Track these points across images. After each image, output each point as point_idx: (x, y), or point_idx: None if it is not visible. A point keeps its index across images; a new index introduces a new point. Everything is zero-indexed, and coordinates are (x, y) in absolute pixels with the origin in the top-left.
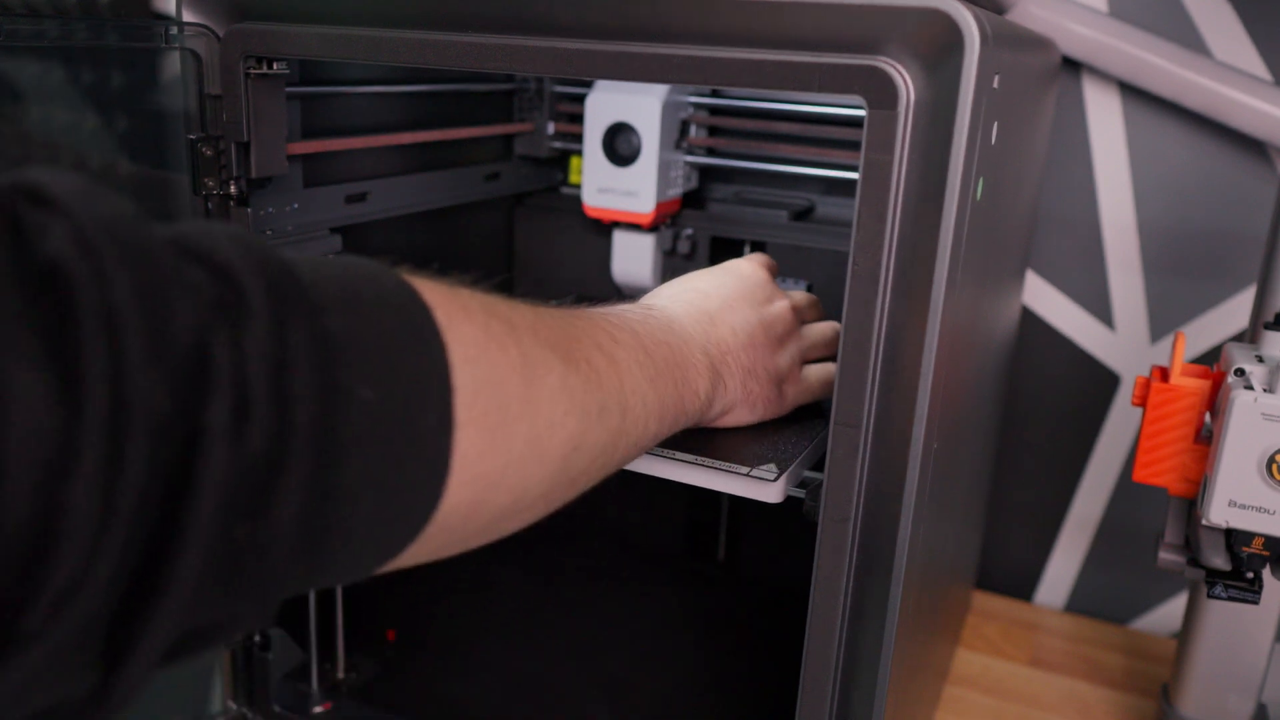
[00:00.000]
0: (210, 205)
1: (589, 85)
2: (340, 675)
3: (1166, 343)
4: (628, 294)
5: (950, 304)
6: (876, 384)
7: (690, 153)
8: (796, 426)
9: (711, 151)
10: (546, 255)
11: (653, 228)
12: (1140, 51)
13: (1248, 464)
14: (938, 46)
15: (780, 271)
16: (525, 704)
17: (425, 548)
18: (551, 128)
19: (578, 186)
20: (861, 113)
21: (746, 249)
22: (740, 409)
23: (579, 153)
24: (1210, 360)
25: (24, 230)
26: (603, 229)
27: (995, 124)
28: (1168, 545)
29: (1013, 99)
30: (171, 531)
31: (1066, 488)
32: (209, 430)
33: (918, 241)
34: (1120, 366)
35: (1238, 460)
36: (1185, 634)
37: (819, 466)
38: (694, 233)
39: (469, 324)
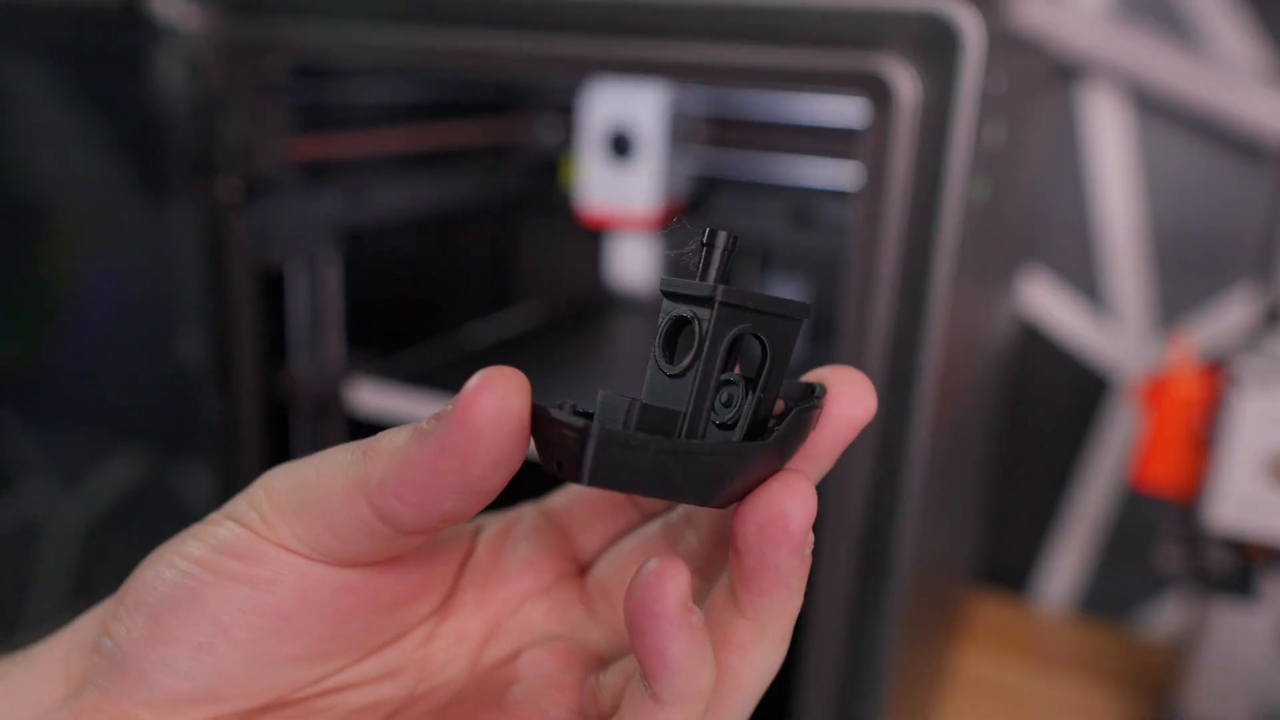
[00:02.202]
0: (208, 207)
1: (588, 87)
2: None
3: (1167, 343)
4: (626, 299)
5: (950, 304)
6: (876, 384)
7: (691, 155)
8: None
9: (713, 154)
10: (545, 258)
11: (653, 232)
12: (1140, 51)
13: (1249, 464)
14: (937, 48)
15: (781, 273)
16: None
17: None
18: (550, 129)
19: (576, 189)
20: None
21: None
22: None
23: (577, 155)
24: (1211, 361)
25: None
26: (602, 232)
27: (994, 124)
28: (1169, 546)
29: (1012, 99)
30: None
31: (1067, 488)
32: None
33: (917, 241)
34: (1120, 367)
35: (1239, 461)
36: (1186, 635)
37: None
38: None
39: None
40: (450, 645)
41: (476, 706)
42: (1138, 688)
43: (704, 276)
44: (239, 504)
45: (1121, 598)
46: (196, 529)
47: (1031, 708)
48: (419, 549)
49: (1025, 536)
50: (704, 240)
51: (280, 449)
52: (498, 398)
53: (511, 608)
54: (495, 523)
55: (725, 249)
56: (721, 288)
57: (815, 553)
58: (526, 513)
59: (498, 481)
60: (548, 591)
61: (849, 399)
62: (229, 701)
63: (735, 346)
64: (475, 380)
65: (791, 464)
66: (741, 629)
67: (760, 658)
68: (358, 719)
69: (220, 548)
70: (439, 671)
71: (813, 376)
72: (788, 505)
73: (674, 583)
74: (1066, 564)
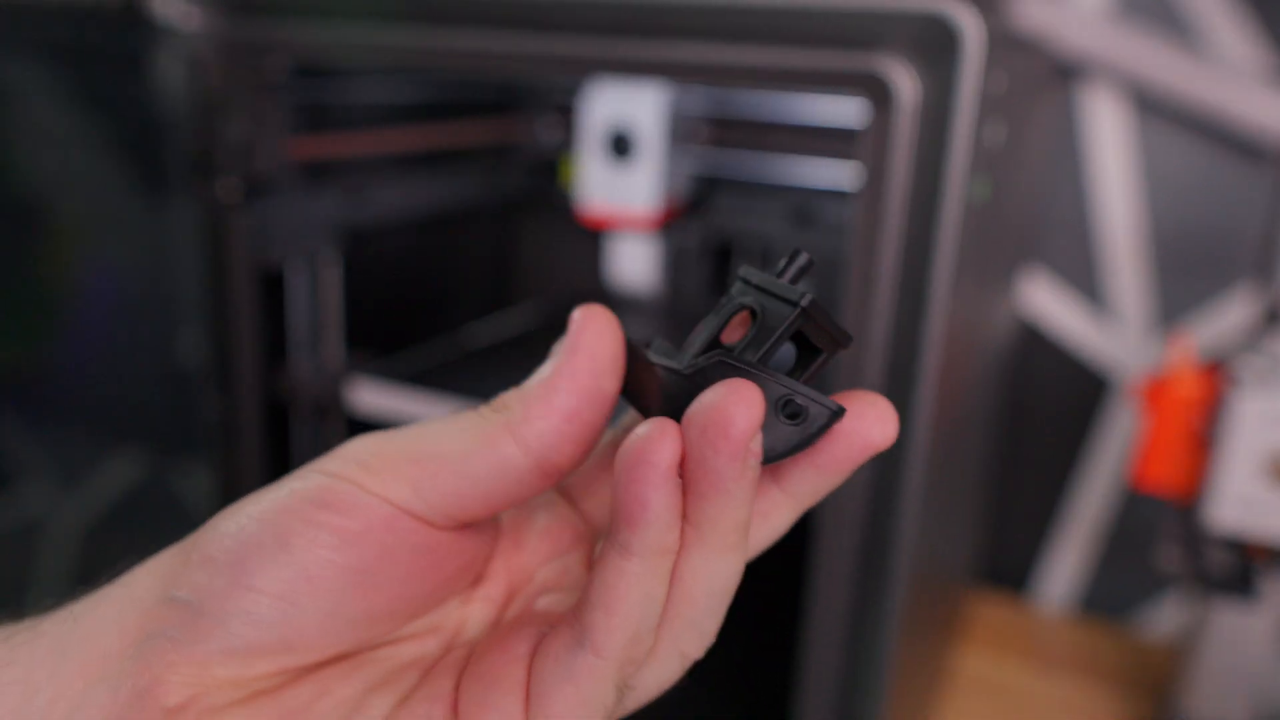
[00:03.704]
0: (209, 207)
1: (588, 87)
2: None
3: (1167, 343)
4: (626, 298)
5: (950, 304)
6: (876, 384)
7: (692, 155)
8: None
9: (713, 154)
10: (545, 258)
11: (653, 232)
12: (1139, 51)
13: (1249, 465)
14: (937, 48)
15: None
16: None
17: None
18: (550, 129)
19: (576, 189)
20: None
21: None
22: None
23: (577, 155)
24: (1211, 361)
25: None
26: (602, 232)
27: (994, 124)
28: (1169, 546)
29: (1012, 99)
30: None
31: (1067, 488)
32: None
33: (917, 242)
34: (1120, 367)
35: (1239, 461)
36: (1186, 635)
37: None
38: (694, 236)
39: None
40: (480, 608)
41: (488, 645)
42: (1138, 688)
43: (779, 277)
44: (329, 462)
45: (1121, 598)
46: (278, 484)
47: (1031, 708)
48: (475, 529)
49: (1025, 536)
50: (791, 254)
51: (280, 449)
52: (598, 312)
53: (530, 574)
54: None
55: (799, 264)
56: (745, 267)
57: (815, 552)
58: None
59: (610, 382)
60: (562, 555)
61: (868, 420)
62: (297, 654)
63: (757, 319)
64: (578, 311)
65: (792, 471)
66: (682, 533)
67: (701, 565)
68: (406, 673)
69: (310, 498)
70: (469, 631)
71: (840, 397)
72: (731, 409)
73: (671, 442)
74: (1066, 564)
